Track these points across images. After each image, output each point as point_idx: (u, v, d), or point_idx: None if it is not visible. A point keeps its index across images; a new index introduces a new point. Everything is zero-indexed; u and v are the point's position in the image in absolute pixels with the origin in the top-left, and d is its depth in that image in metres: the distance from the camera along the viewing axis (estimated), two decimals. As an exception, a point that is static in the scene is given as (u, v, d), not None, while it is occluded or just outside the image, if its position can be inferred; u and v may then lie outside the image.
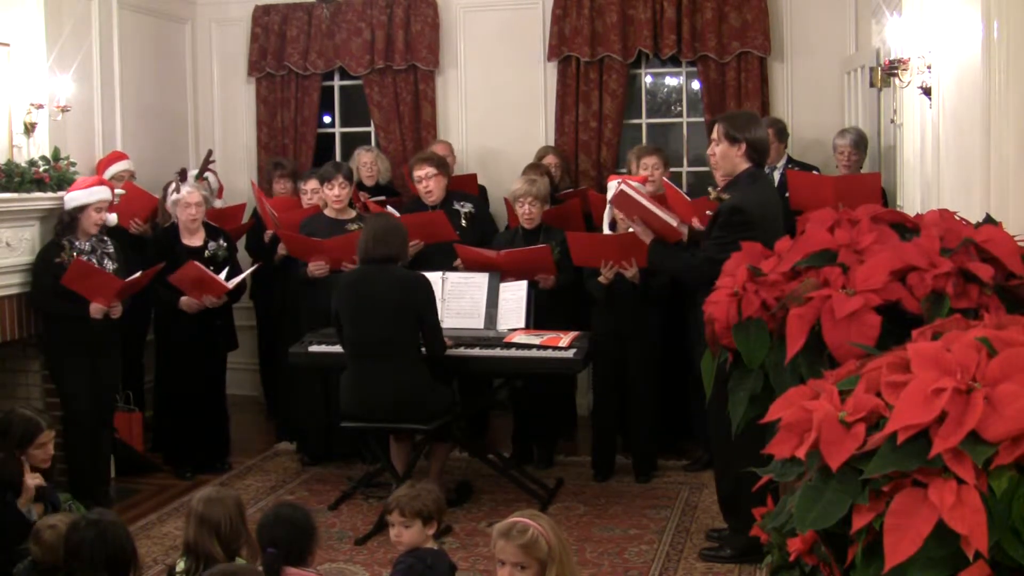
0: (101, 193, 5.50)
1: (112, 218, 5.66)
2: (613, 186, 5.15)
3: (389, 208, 6.41)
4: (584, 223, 6.33)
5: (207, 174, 6.84)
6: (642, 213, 4.88)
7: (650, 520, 5.23)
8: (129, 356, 6.30)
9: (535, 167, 6.49)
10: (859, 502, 1.82)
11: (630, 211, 4.96)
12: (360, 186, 6.82)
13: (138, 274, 5.55)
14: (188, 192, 6.02)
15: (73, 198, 5.46)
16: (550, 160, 6.78)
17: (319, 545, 3.52)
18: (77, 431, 5.53)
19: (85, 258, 5.45)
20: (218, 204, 6.93)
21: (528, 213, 5.90)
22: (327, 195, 6.15)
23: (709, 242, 4.52)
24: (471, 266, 5.78)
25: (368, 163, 7.03)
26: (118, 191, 6.12)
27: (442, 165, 6.27)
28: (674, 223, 4.87)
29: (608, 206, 5.50)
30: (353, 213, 6.21)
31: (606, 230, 5.52)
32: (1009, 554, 1.70)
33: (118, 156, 6.56)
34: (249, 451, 6.55)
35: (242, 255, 6.98)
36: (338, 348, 5.30)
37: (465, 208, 6.30)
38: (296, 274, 6.14)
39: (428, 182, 6.19)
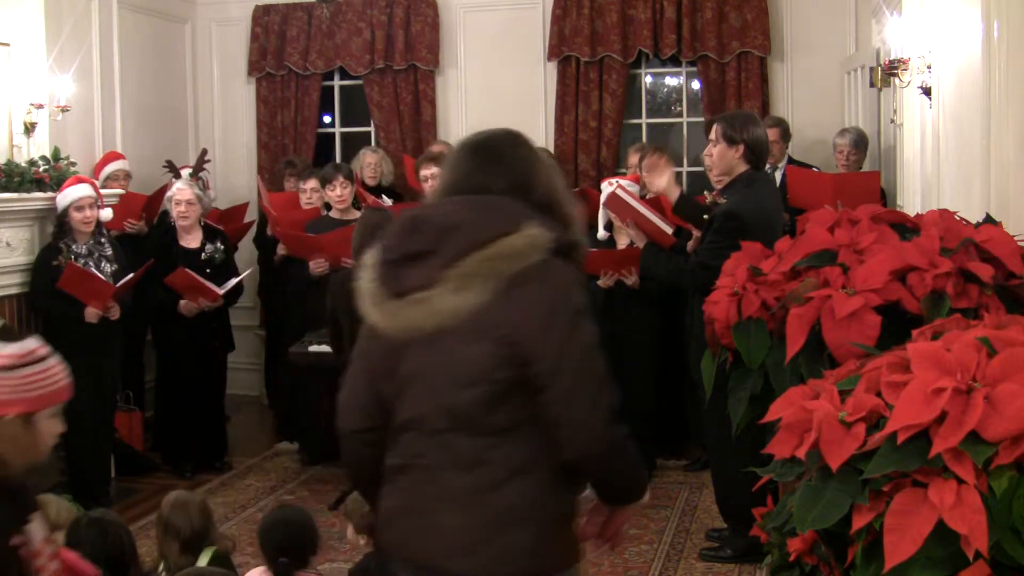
0: (76, 192, 5.43)
1: (105, 214, 5.64)
2: (606, 187, 5.14)
3: (387, 201, 6.42)
4: (585, 222, 6.33)
5: (201, 173, 6.84)
6: (635, 216, 4.87)
7: (650, 520, 5.23)
8: (129, 356, 6.30)
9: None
10: (859, 502, 1.82)
11: (623, 214, 4.96)
12: (362, 186, 6.82)
13: (130, 276, 5.54)
14: (179, 189, 6.02)
15: (57, 203, 5.47)
16: None
17: (320, 546, 3.53)
18: (77, 431, 5.50)
19: (82, 261, 5.44)
20: (211, 194, 6.93)
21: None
22: (329, 196, 6.14)
23: (703, 247, 4.49)
24: None
25: (372, 164, 7.02)
26: (116, 191, 6.13)
27: None
28: (667, 228, 4.86)
29: (602, 208, 5.51)
30: (357, 213, 6.19)
31: (602, 231, 5.52)
32: (1009, 554, 1.70)
33: (114, 156, 6.56)
34: (249, 451, 6.54)
35: (244, 254, 6.99)
36: (338, 348, 5.29)
37: None
38: (295, 275, 6.14)
39: (435, 182, 6.17)
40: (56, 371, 2.43)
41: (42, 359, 2.40)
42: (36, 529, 2.39)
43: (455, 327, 2.05)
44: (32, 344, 2.40)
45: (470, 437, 2.10)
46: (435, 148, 6.91)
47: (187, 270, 5.76)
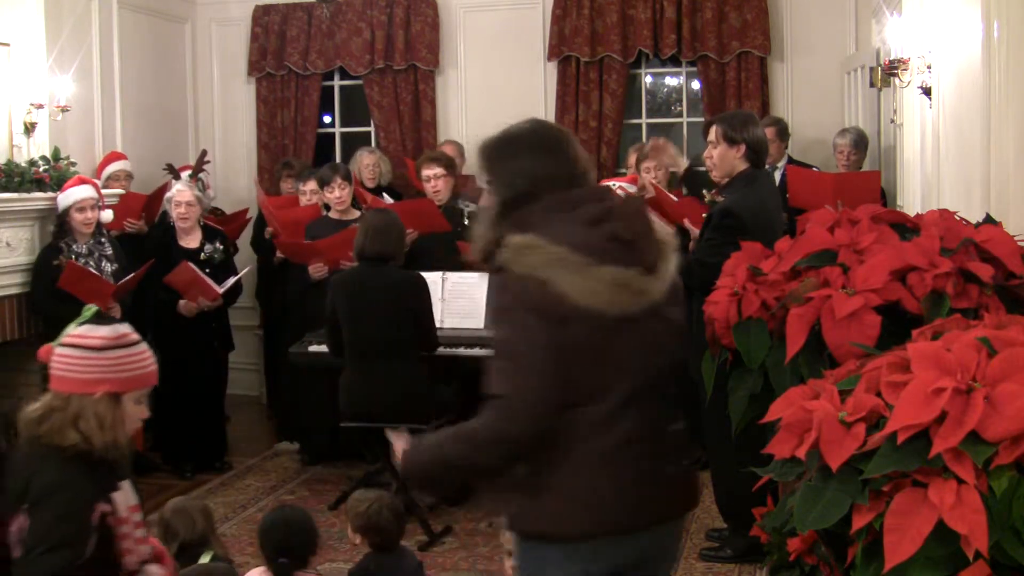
0: (78, 193, 5.44)
1: (106, 215, 5.64)
2: None
3: (385, 197, 6.41)
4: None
5: (201, 174, 6.84)
6: None
7: (650, 520, 5.22)
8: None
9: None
10: (859, 502, 1.82)
11: None
12: (361, 187, 6.81)
13: (130, 276, 5.55)
14: (179, 191, 6.03)
15: (58, 203, 5.47)
16: None
17: (320, 546, 3.53)
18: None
19: (82, 261, 5.44)
20: (211, 194, 6.92)
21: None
22: (328, 198, 6.14)
23: (701, 244, 4.50)
24: None
25: (370, 164, 7.01)
26: (116, 191, 6.14)
27: (450, 165, 6.27)
28: (667, 227, 4.87)
29: None
30: (357, 213, 6.19)
31: None
32: (1009, 554, 1.70)
33: (116, 156, 6.56)
34: (249, 451, 6.54)
35: (244, 255, 6.98)
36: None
37: (469, 207, 6.29)
38: (295, 276, 6.14)
39: (437, 182, 6.19)
40: (146, 356, 2.49)
41: (133, 343, 2.47)
42: (122, 498, 2.43)
43: (665, 295, 2.35)
44: (124, 328, 2.47)
45: (673, 388, 2.43)
46: (442, 148, 6.91)
47: (190, 264, 5.76)
